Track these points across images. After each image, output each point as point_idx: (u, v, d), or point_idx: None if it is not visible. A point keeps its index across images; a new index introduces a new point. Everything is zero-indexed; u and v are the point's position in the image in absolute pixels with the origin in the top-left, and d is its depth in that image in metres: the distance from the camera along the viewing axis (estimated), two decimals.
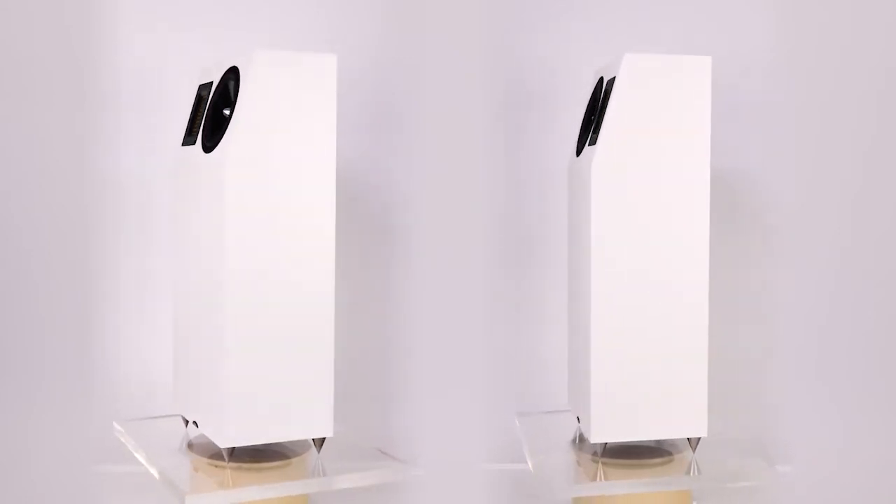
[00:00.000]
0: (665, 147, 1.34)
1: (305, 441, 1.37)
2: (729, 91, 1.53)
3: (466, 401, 1.48)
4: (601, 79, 1.41)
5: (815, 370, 1.38)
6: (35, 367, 1.41)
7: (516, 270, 1.61)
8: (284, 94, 1.30)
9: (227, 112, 1.32)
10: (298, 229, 1.31)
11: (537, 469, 1.39)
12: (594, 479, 1.36)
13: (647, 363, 1.35)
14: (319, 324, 1.32)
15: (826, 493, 1.34)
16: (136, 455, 1.38)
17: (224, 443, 1.31)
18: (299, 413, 1.32)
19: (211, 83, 1.38)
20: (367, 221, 1.60)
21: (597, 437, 1.36)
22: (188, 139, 1.39)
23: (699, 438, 1.38)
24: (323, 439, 1.35)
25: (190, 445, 1.39)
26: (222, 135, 1.31)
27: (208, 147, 1.32)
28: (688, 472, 1.37)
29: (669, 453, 1.40)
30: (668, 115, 1.34)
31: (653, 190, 1.34)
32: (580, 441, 1.44)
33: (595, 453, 1.39)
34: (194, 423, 1.38)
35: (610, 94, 1.35)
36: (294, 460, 1.36)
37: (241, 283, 1.29)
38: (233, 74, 1.33)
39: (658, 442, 1.41)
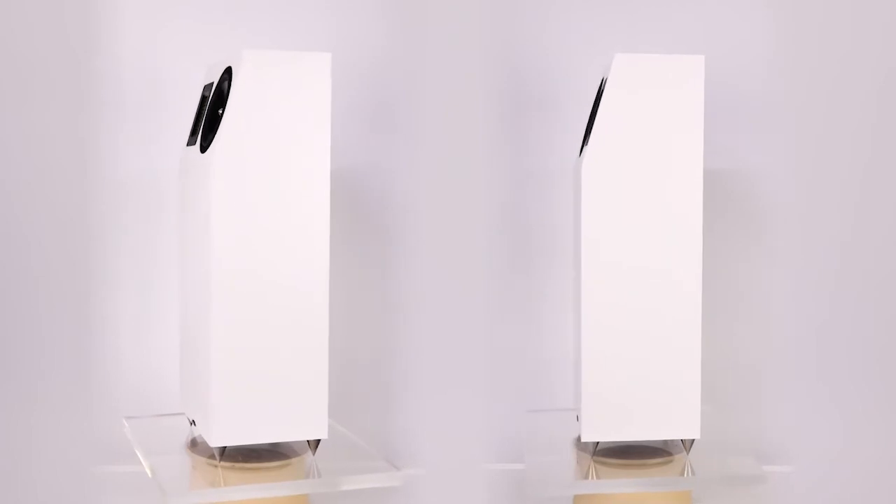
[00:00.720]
0: (657, 146, 1.34)
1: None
2: (729, 91, 1.53)
3: (467, 400, 1.48)
4: (603, 79, 1.41)
5: (815, 370, 1.38)
6: (36, 367, 1.41)
7: (517, 270, 1.60)
8: (276, 93, 1.30)
9: (221, 112, 1.32)
10: (291, 228, 1.31)
11: (530, 468, 1.39)
12: (586, 477, 1.36)
13: (639, 364, 1.35)
14: (313, 325, 1.31)
15: (826, 493, 1.34)
16: (136, 452, 1.38)
17: (213, 442, 1.31)
18: (292, 414, 1.32)
19: (212, 83, 1.38)
20: (368, 221, 1.60)
21: (587, 436, 1.36)
22: (191, 139, 1.39)
23: (693, 440, 1.37)
24: (318, 441, 1.34)
25: (194, 444, 1.39)
26: (215, 134, 1.31)
27: (203, 147, 1.33)
28: (682, 473, 1.37)
29: (670, 454, 1.40)
30: (660, 114, 1.34)
31: (645, 189, 1.34)
32: (581, 440, 1.44)
33: (595, 453, 1.40)
34: (193, 422, 1.38)
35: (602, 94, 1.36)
36: (294, 460, 1.36)
37: (227, 282, 1.29)
38: (227, 74, 1.33)
39: (665, 443, 1.41)
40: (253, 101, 1.30)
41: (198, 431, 1.39)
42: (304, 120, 1.31)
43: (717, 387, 1.48)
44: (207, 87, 1.40)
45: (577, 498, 1.40)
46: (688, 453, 1.38)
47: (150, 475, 1.32)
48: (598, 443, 1.38)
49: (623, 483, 1.35)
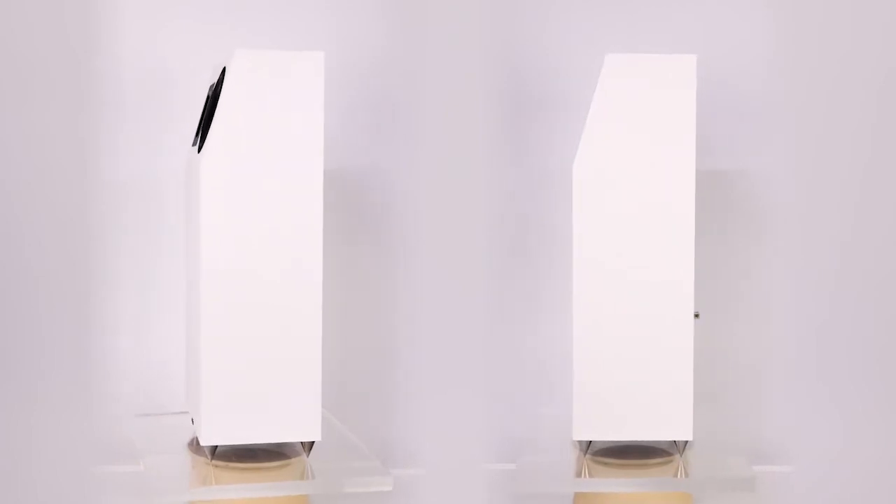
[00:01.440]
0: (648, 146, 1.34)
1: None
2: (729, 91, 1.53)
3: (467, 400, 1.48)
4: None
5: (815, 370, 1.38)
6: (36, 367, 1.41)
7: (518, 269, 1.60)
8: (268, 93, 1.30)
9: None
10: (283, 228, 1.31)
11: (520, 467, 1.39)
12: (579, 476, 1.36)
13: (631, 365, 1.35)
14: (306, 326, 1.31)
15: (826, 493, 1.34)
16: (135, 451, 1.38)
17: (202, 440, 1.31)
18: (285, 416, 1.32)
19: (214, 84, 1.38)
20: (367, 221, 1.60)
21: (578, 434, 1.36)
22: (195, 139, 1.40)
23: (686, 442, 1.37)
24: (311, 443, 1.34)
25: (197, 443, 1.39)
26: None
27: (200, 147, 1.33)
28: (675, 475, 1.37)
29: (670, 454, 1.40)
30: (651, 114, 1.34)
31: (637, 190, 1.34)
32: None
33: (598, 451, 1.40)
34: (193, 420, 1.38)
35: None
36: (292, 461, 1.36)
37: (217, 282, 1.29)
38: (224, 75, 1.33)
39: (668, 443, 1.41)
40: (244, 100, 1.30)
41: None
42: (296, 119, 1.31)
43: (717, 387, 1.48)
44: (211, 88, 1.40)
45: (576, 497, 1.40)
46: (681, 455, 1.38)
47: (141, 471, 1.32)
48: (590, 442, 1.38)
49: (609, 483, 1.35)
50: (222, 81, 1.33)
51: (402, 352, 1.58)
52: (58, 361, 1.38)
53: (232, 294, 1.30)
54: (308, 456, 1.35)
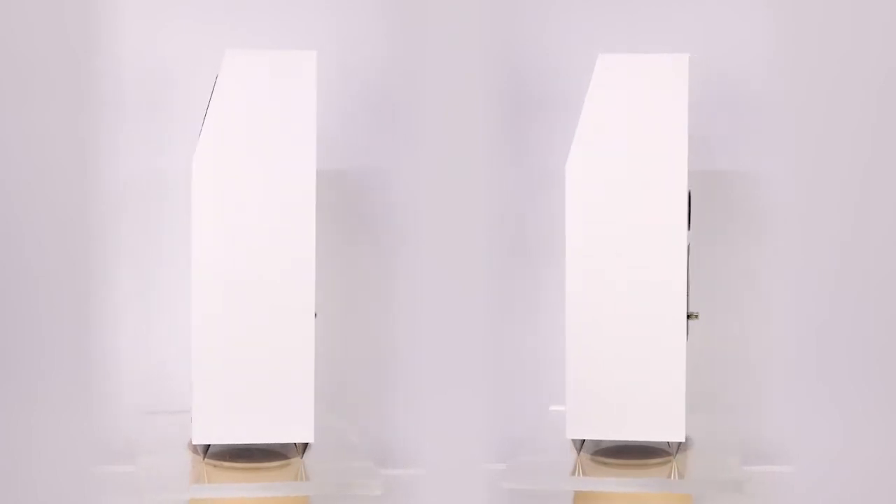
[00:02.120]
0: (641, 146, 1.34)
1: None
2: (729, 91, 1.53)
3: (466, 400, 1.48)
4: None
5: (815, 370, 1.38)
6: (36, 367, 1.40)
7: (517, 269, 1.60)
8: (260, 93, 1.30)
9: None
10: (276, 228, 1.30)
11: (511, 466, 1.39)
12: (573, 475, 1.36)
13: (623, 365, 1.35)
14: (299, 327, 1.31)
15: (826, 493, 1.34)
16: (134, 450, 1.38)
17: (195, 439, 1.31)
18: (278, 417, 1.32)
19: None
20: (367, 221, 1.60)
21: (571, 433, 1.36)
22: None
23: (679, 443, 1.37)
24: (306, 445, 1.34)
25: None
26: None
27: None
28: (669, 475, 1.37)
29: (669, 454, 1.40)
30: (643, 114, 1.34)
31: (629, 190, 1.34)
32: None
33: (596, 451, 1.40)
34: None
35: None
36: (293, 461, 1.36)
37: (206, 282, 1.29)
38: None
39: (671, 444, 1.41)
40: (236, 100, 1.30)
41: None
42: (288, 119, 1.31)
43: (717, 387, 1.48)
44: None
45: (576, 497, 1.40)
46: (674, 456, 1.38)
47: (136, 470, 1.32)
48: (583, 441, 1.39)
49: (599, 482, 1.35)
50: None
51: (402, 352, 1.58)
52: (58, 361, 1.38)
53: (224, 293, 1.29)
54: (302, 457, 1.35)
